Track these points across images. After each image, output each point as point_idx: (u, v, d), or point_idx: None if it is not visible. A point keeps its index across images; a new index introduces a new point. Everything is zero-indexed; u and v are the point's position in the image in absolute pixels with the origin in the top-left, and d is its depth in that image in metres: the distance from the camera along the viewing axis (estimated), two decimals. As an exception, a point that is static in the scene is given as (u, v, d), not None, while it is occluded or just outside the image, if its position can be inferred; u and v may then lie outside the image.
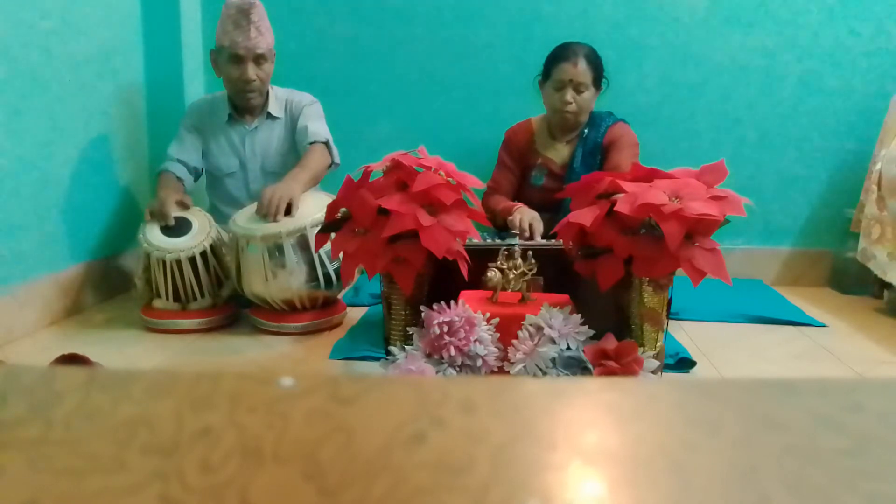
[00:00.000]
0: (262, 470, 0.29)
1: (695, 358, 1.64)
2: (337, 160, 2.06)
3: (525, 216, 1.89)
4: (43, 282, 1.87)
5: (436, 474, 0.28)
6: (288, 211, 1.81)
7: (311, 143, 2.02)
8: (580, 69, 1.99)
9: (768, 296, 2.30)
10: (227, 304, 1.94)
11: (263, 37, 1.97)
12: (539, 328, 1.32)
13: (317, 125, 2.06)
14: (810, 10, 2.37)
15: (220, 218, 2.03)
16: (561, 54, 2.03)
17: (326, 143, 2.03)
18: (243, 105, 2.08)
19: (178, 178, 2.04)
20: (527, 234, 1.82)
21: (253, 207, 1.89)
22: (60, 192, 1.94)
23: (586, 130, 2.11)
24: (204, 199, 2.29)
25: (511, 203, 2.06)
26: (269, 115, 2.11)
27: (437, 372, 1.32)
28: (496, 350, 1.35)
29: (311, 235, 1.77)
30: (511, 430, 0.32)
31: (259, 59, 1.99)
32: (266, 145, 2.11)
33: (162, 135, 2.32)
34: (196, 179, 2.13)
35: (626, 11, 2.42)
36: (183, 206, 1.94)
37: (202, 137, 2.11)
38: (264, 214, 1.80)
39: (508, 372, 1.34)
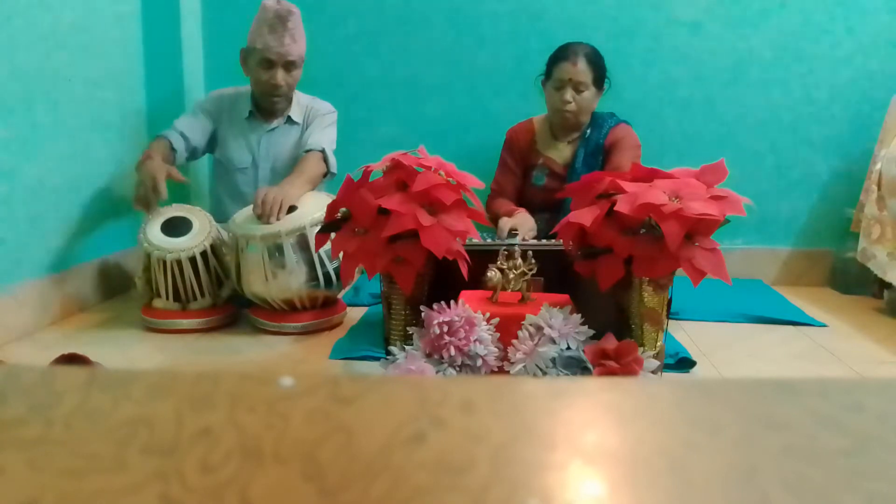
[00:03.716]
0: (262, 470, 0.29)
1: (695, 358, 1.64)
2: (333, 170, 2.05)
3: (511, 222, 1.89)
4: (43, 282, 1.87)
5: (436, 474, 0.28)
6: (286, 212, 1.81)
7: (307, 152, 2.03)
8: (580, 68, 1.99)
9: (768, 296, 2.30)
10: (227, 304, 1.93)
11: (297, 44, 1.98)
12: (539, 328, 1.32)
13: (320, 135, 2.07)
14: (810, 9, 2.37)
15: (224, 212, 2.03)
16: (562, 54, 2.03)
17: (322, 152, 2.03)
18: (267, 107, 2.09)
19: (172, 148, 2.02)
20: (504, 236, 1.82)
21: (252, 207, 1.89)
22: (61, 192, 1.94)
23: (588, 131, 2.11)
24: (205, 197, 2.29)
25: (513, 207, 2.06)
26: (290, 120, 2.12)
27: (437, 372, 1.32)
28: (496, 350, 1.35)
29: (311, 235, 1.77)
30: (511, 430, 0.32)
31: (289, 66, 2.00)
32: (281, 148, 2.12)
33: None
34: (190, 158, 2.12)
35: (626, 12, 2.42)
36: (171, 177, 1.88)
37: (216, 125, 2.12)
38: (259, 215, 1.79)
39: (508, 372, 1.34)
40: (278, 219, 1.79)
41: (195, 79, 2.48)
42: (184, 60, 2.40)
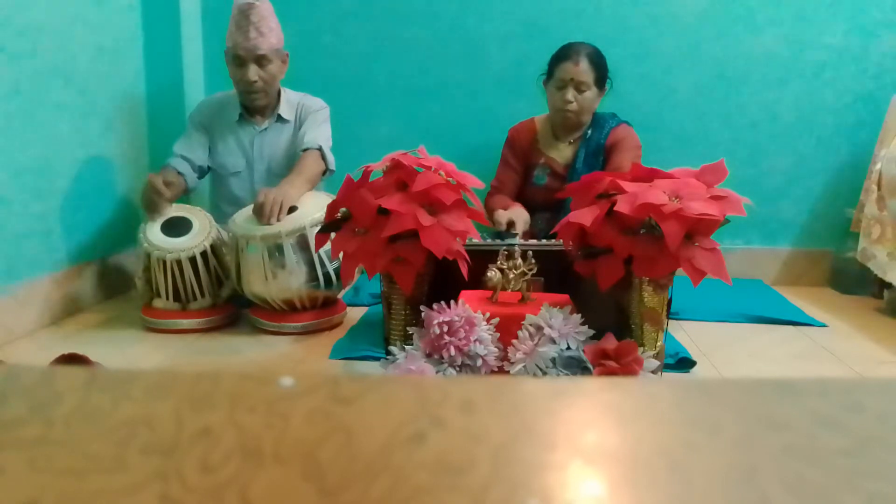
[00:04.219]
0: (262, 470, 0.29)
1: (695, 358, 1.64)
2: (332, 167, 2.05)
3: (507, 215, 1.89)
4: (43, 282, 1.87)
5: (436, 474, 0.28)
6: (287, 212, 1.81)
7: (305, 150, 2.02)
8: (581, 68, 1.99)
9: (768, 296, 2.30)
10: (227, 304, 1.93)
11: (265, 37, 1.96)
12: (539, 328, 1.32)
13: (315, 132, 2.06)
14: (810, 10, 2.37)
15: (222, 217, 2.02)
16: (563, 54, 2.03)
17: (320, 150, 2.02)
18: (250, 105, 2.08)
19: (179, 173, 2.04)
20: (502, 228, 1.83)
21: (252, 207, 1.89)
22: (61, 192, 1.94)
23: (589, 131, 2.11)
24: (205, 197, 2.28)
25: (508, 202, 2.07)
26: (280, 118, 2.11)
27: (437, 372, 1.32)
28: (496, 350, 1.35)
29: (311, 235, 1.77)
30: (511, 430, 0.32)
31: (261, 61, 1.98)
32: (274, 147, 2.11)
33: (162, 135, 2.33)
34: (200, 177, 2.13)
35: (627, 12, 2.42)
36: (168, 184, 1.90)
37: (210, 135, 2.11)
38: (260, 215, 1.79)
39: (508, 372, 1.34)
40: (279, 219, 1.79)
41: (195, 77, 2.48)
42: (183, 59, 2.40)
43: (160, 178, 1.89)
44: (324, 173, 2.04)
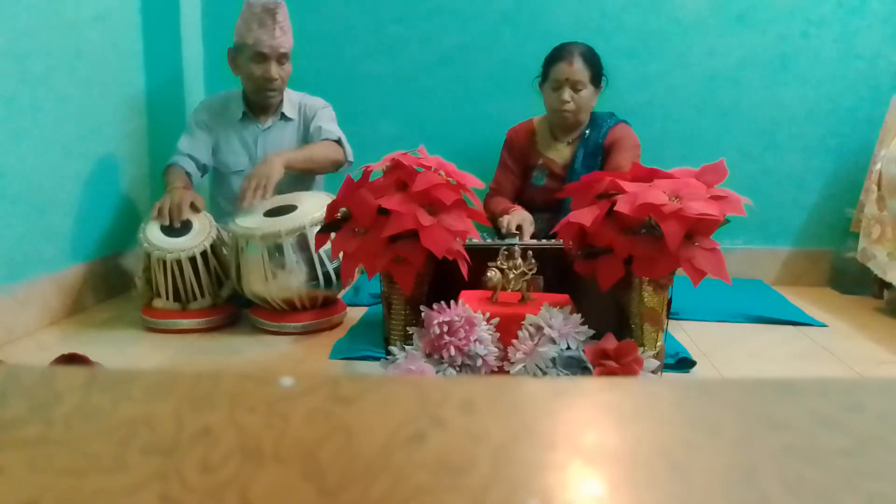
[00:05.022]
0: (262, 470, 0.29)
1: (695, 358, 1.64)
2: (350, 158, 2.09)
3: (514, 218, 1.90)
4: (43, 282, 1.87)
5: (436, 474, 0.28)
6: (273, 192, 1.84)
7: (324, 140, 2.05)
8: (576, 68, 1.99)
9: (768, 296, 2.30)
10: (227, 304, 1.93)
11: (287, 36, 2.01)
12: (539, 328, 1.32)
13: (331, 126, 2.10)
14: (810, 10, 2.37)
15: (223, 215, 2.03)
16: (557, 54, 2.03)
17: (339, 141, 2.06)
18: (261, 103, 2.09)
19: (188, 174, 2.05)
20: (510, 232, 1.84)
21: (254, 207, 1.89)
22: (61, 191, 1.94)
23: (588, 131, 2.11)
24: (205, 195, 2.28)
25: (509, 205, 2.07)
26: (283, 116, 2.13)
27: (437, 372, 1.32)
28: (496, 350, 1.35)
29: (311, 235, 1.77)
30: (511, 430, 0.32)
31: (282, 59, 2.02)
32: (278, 146, 2.12)
33: (162, 135, 2.33)
34: (203, 175, 2.14)
35: (626, 11, 2.42)
36: (195, 209, 1.93)
37: (212, 134, 2.12)
38: (242, 198, 1.82)
39: (508, 372, 1.34)
40: (264, 197, 1.82)
41: (195, 77, 2.48)
42: (183, 59, 2.40)
43: (187, 205, 1.91)
44: (341, 165, 2.07)
